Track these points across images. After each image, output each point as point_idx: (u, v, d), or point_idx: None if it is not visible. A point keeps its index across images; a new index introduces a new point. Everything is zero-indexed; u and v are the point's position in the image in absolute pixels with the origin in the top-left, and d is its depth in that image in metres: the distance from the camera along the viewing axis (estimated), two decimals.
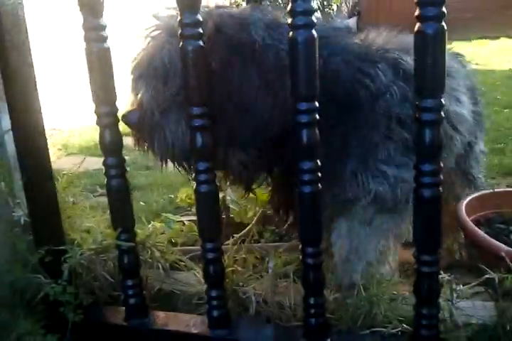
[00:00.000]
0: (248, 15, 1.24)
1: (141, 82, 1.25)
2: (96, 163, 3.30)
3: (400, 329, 1.16)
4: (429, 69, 0.93)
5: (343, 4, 13.17)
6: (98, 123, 1.24)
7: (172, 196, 2.80)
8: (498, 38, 9.16)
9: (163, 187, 3.05)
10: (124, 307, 1.35)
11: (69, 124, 4.32)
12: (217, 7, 1.27)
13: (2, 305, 1.31)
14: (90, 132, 4.59)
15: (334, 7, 11.41)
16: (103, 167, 1.29)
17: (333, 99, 1.22)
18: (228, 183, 1.41)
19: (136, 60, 1.28)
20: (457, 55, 1.67)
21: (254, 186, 1.40)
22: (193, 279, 1.43)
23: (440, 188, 0.97)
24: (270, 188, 1.47)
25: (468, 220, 1.54)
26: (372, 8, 11.41)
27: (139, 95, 1.26)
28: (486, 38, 9.11)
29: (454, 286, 1.15)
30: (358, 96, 1.27)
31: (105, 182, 1.29)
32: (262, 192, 1.67)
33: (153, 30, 1.28)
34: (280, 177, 1.39)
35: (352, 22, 11.90)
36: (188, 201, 1.95)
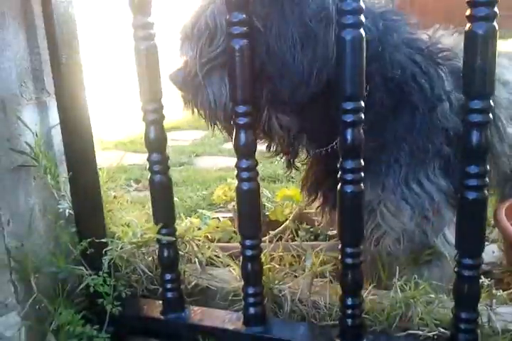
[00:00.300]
0: None
1: (186, 43, 1.26)
2: (130, 158, 3.36)
3: (436, 332, 1.15)
4: (479, 69, 0.92)
5: (377, 0, 13.12)
6: (144, 119, 1.27)
7: (205, 192, 2.84)
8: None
9: (196, 183, 3.09)
10: (161, 301, 1.37)
11: (103, 120, 4.42)
12: None
13: (44, 294, 1.35)
14: (125, 128, 4.69)
15: None
16: (146, 162, 1.31)
17: (381, 86, 1.19)
18: (271, 154, 1.39)
19: (185, 21, 1.28)
20: None
21: (297, 161, 1.39)
22: (229, 276, 1.44)
23: (485, 191, 0.96)
24: (307, 166, 1.44)
25: (508, 224, 1.51)
26: (406, 5, 11.30)
27: (185, 56, 1.27)
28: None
29: (493, 291, 1.13)
30: (410, 93, 1.23)
31: (148, 177, 1.31)
32: (298, 190, 1.67)
33: None
34: (319, 157, 1.36)
35: None
36: (224, 198, 1.97)
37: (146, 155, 1.30)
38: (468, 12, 0.90)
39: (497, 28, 0.90)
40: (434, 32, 1.41)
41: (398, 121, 1.24)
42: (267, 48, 1.13)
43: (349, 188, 1.05)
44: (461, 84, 1.23)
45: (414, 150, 1.25)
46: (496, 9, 0.90)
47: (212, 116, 1.28)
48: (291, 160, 1.37)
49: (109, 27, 5.18)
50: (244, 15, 1.06)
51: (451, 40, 1.39)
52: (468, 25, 0.91)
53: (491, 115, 0.94)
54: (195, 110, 1.29)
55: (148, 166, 1.30)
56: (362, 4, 0.97)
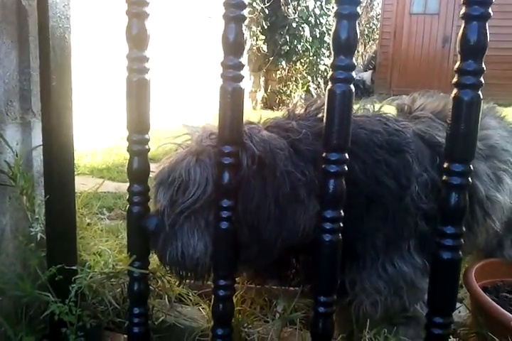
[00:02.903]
0: (276, 140, 1.25)
1: (160, 190, 1.28)
2: (105, 185, 3.33)
3: None
4: (462, 134, 0.96)
5: (359, 58, 13.57)
6: (129, 149, 1.27)
7: None
8: (510, 105, 9.12)
9: None
10: (125, 335, 1.35)
11: (81, 145, 4.39)
12: (248, 122, 1.30)
13: (6, 318, 1.32)
14: (102, 154, 4.68)
15: None
16: (121, 191, 1.31)
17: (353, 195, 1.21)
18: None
19: (161, 166, 1.31)
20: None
21: None
22: (198, 314, 1.43)
23: (460, 251, 0.99)
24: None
25: (477, 287, 1.53)
26: (388, 63, 11.73)
27: (158, 202, 1.29)
28: (497, 104, 8.88)
29: None
30: (380, 194, 1.29)
31: (126, 207, 1.31)
32: None
33: (185, 140, 1.32)
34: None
35: (367, 75, 12.24)
36: None
37: (122, 184, 1.29)
38: (455, 79, 0.95)
39: (481, 96, 0.94)
40: (412, 102, 1.49)
41: (371, 215, 1.29)
42: (244, 209, 1.19)
43: (327, 237, 1.07)
44: (438, 160, 1.31)
45: (389, 236, 1.30)
46: (481, 79, 0.94)
47: (180, 267, 1.28)
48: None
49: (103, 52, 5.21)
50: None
51: (436, 104, 1.47)
52: (454, 91, 0.95)
53: (470, 179, 0.97)
54: (162, 260, 1.30)
55: (127, 197, 1.29)
56: (354, 61, 1.01)
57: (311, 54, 9.16)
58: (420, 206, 1.30)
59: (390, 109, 1.51)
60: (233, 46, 1.08)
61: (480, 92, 0.95)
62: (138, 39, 1.22)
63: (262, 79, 9.26)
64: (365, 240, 1.29)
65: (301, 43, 8.84)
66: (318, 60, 9.36)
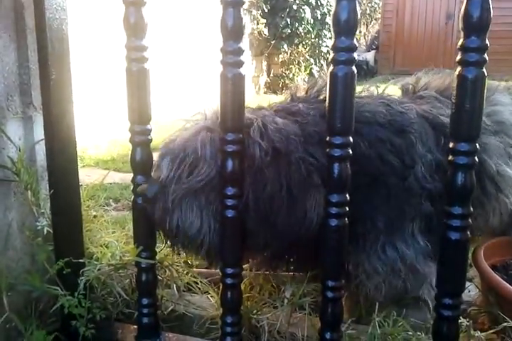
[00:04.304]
0: (289, 126, 1.24)
1: (165, 161, 1.26)
2: (111, 176, 3.34)
3: None
4: (466, 113, 0.94)
5: (362, 38, 13.42)
6: (131, 140, 1.26)
7: None
8: (507, 80, 8.98)
9: None
10: (136, 326, 1.35)
11: (85, 137, 4.38)
12: (260, 108, 1.29)
13: (16, 313, 1.32)
14: (107, 146, 4.68)
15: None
16: (127, 182, 1.30)
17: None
18: None
19: (170, 138, 1.30)
20: None
21: None
22: (207, 303, 1.43)
23: (468, 232, 0.97)
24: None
25: (486, 266, 1.52)
26: (391, 43, 11.60)
27: (161, 173, 1.27)
28: (493, 79, 8.70)
29: (472, 332, 1.13)
30: (384, 171, 1.28)
31: (131, 198, 1.30)
32: None
33: (199, 119, 1.31)
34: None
35: (370, 56, 12.12)
36: None
37: (128, 174, 1.28)
38: (459, 57, 0.92)
39: (486, 73, 0.92)
40: (417, 81, 1.48)
41: (374, 194, 1.28)
42: (255, 197, 1.18)
43: (333, 222, 1.05)
44: (443, 141, 1.30)
45: (391, 217, 1.29)
46: (485, 56, 0.91)
47: (178, 241, 1.28)
48: None
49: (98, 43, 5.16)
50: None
51: (441, 81, 1.46)
52: (458, 69, 0.93)
53: (476, 158, 0.95)
54: (162, 232, 1.30)
55: (132, 188, 1.28)
56: (355, 43, 0.98)
57: (313, 36, 9.05)
58: (425, 186, 1.29)
59: (394, 91, 1.49)
60: (232, 31, 1.06)
61: (484, 69, 0.92)
62: (136, 28, 1.21)
63: (265, 63, 9.18)
64: (366, 220, 1.28)
65: (303, 25, 8.72)
66: (320, 41, 9.25)
